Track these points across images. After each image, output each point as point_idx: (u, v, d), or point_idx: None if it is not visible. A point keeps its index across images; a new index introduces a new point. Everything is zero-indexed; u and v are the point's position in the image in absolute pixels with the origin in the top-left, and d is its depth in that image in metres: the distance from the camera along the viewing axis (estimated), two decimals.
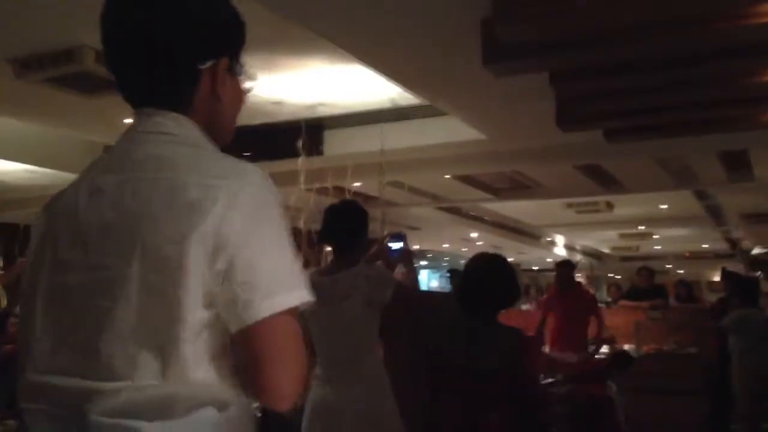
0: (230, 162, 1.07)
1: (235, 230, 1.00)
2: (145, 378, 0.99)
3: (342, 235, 3.00)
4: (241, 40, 1.19)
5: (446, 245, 16.67)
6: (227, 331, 1.02)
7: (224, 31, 1.16)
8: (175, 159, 1.06)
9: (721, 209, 11.52)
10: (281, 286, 1.02)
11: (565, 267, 6.88)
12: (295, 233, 5.53)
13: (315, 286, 3.27)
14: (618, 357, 6.12)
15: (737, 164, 7.70)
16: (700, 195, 10.23)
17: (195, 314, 0.99)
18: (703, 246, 16.81)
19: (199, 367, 1.00)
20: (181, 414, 1.00)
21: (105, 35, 1.13)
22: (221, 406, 1.03)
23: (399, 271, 3.24)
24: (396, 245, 3.22)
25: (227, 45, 1.17)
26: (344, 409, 2.79)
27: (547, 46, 3.77)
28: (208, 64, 1.13)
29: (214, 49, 1.14)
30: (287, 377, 1.02)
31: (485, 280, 2.92)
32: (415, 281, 3.34)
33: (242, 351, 1.02)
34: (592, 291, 9.35)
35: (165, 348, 0.99)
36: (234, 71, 1.18)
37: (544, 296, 8.19)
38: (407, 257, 3.27)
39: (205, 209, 0.99)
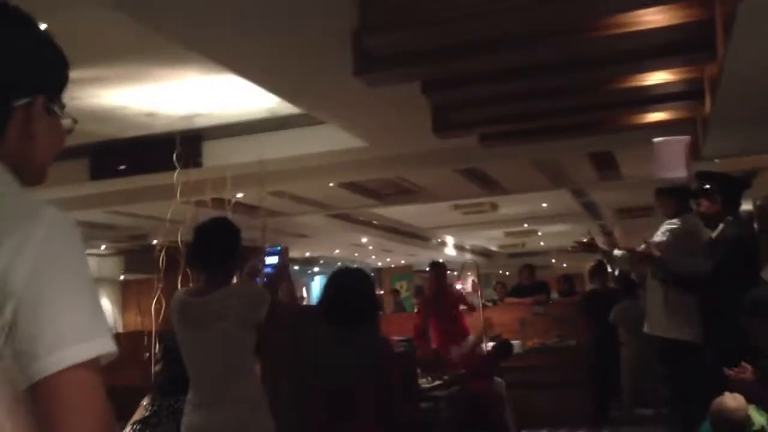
0: (26, 203, 1.00)
1: (21, 278, 0.92)
2: None
3: (211, 254, 2.90)
4: (62, 79, 1.14)
5: (338, 251, 16.66)
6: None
7: (42, 69, 1.11)
8: None
9: (596, 205, 12.12)
10: (72, 338, 0.95)
11: (438, 268, 7.07)
12: (174, 249, 5.36)
13: (184, 307, 3.16)
14: (499, 346, 6.35)
15: (605, 164, 8.15)
16: (577, 193, 10.72)
17: None
18: (584, 240, 17.62)
19: None
20: None
21: None
22: None
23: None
24: (272, 260, 3.18)
25: (45, 83, 1.11)
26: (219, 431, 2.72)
27: (416, 56, 3.83)
28: (22, 101, 1.07)
29: (29, 86, 1.08)
30: None
31: (355, 293, 2.94)
32: (293, 295, 3.32)
33: (32, 409, 0.95)
34: (470, 289, 9.58)
35: None
36: (52, 110, 1.12)
37: (421, 297, 8.33)
38: (283, 271, 3.24)
39: None
